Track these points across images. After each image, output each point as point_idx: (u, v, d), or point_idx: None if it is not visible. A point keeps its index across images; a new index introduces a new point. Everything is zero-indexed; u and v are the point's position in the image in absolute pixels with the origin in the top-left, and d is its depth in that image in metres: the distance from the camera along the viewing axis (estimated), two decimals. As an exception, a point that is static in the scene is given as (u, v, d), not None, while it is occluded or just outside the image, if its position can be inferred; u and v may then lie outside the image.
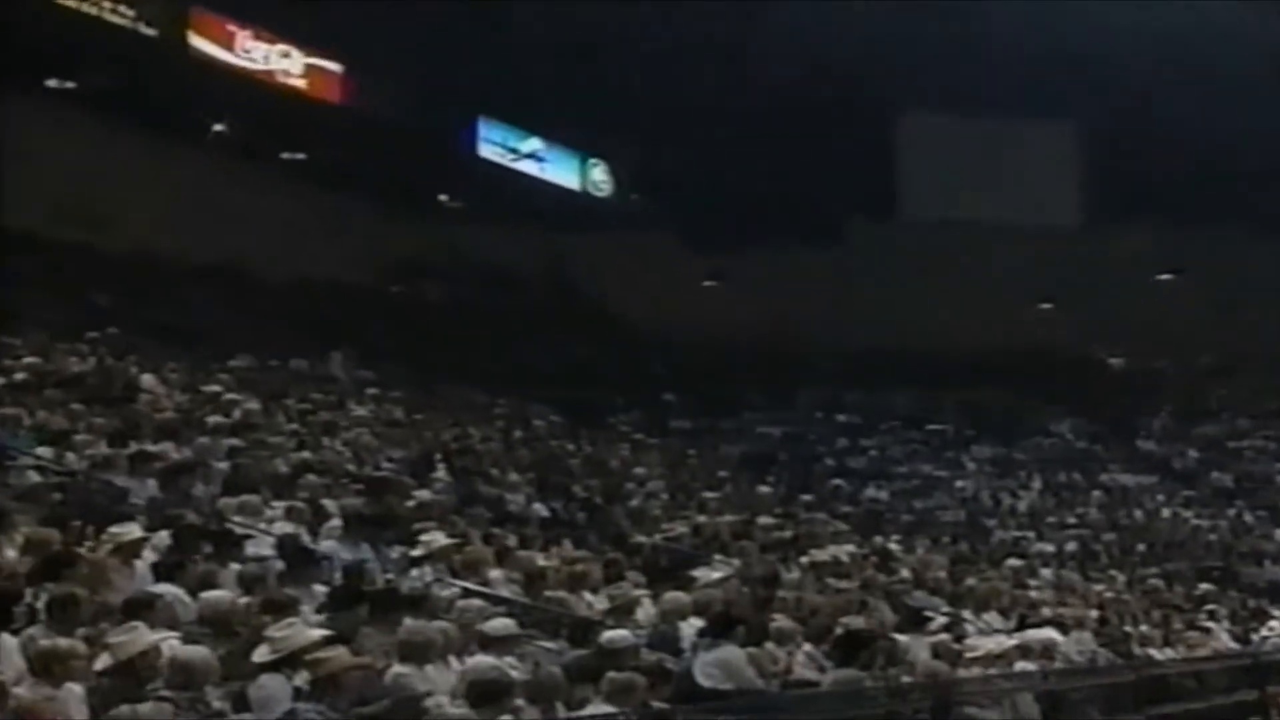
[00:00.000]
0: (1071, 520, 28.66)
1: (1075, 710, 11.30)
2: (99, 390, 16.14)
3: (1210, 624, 18.11)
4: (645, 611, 11.33)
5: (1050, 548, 25.81)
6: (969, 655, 11.41)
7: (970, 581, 16.99)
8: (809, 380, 36.43)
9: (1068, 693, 11.52)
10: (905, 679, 10.21)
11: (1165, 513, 29.61)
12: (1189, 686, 13.40)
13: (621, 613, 11.01)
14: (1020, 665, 11.54)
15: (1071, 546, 26.32)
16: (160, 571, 9.14)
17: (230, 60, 29.24)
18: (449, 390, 27.59)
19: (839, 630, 10.85)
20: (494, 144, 34.96)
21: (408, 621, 8.68)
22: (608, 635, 9.43)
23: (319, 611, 9.00)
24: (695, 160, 34.89)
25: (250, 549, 10.41)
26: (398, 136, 31.74)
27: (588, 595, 11.70)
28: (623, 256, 36.96)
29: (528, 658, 9.13)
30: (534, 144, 35.60)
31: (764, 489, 25.58)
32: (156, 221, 29.28)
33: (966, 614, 14.66)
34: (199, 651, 7.19)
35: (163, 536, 9.86)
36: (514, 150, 35.24)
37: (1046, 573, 21.51)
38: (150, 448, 13.20)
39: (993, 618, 14.97)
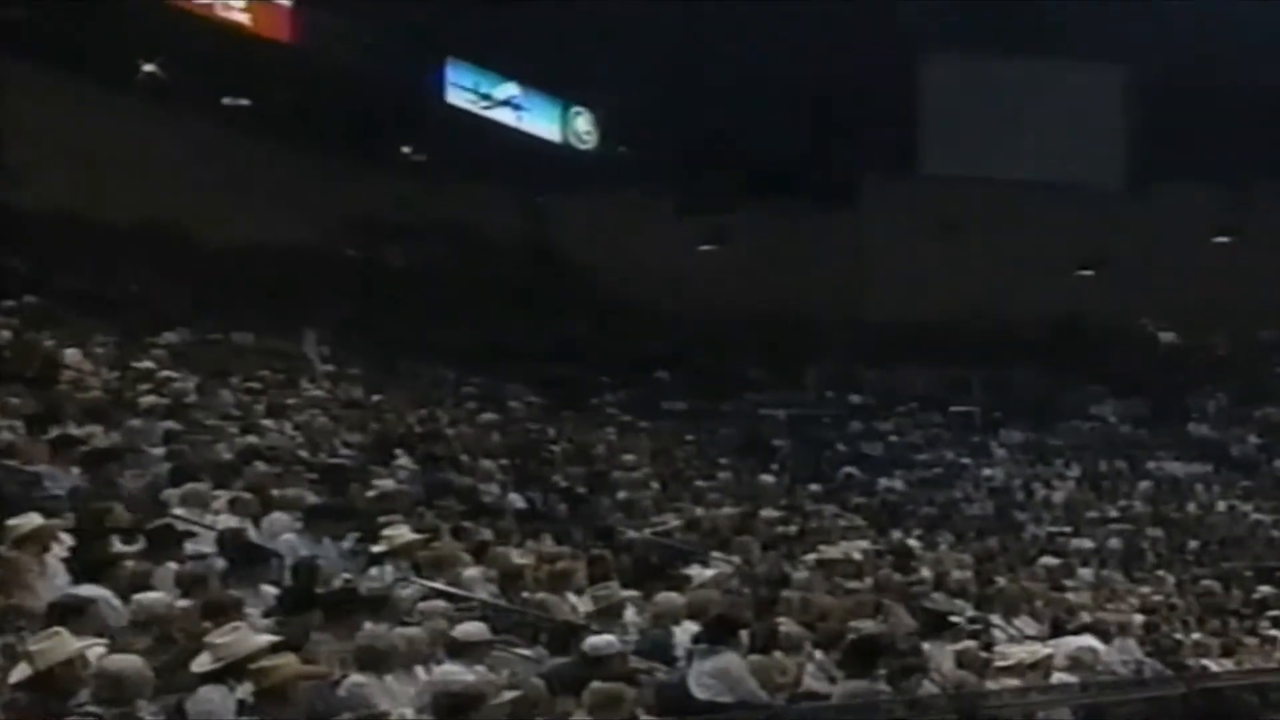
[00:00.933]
0: (1114, 514, 28.81)
1: (1118, 727, 11.39)
2: (14, 367, 16.10)
3: (1272, 631, 18.21)
4: (634, 614, 11.37)
5: (1090, 545, 25.93)
6: (998, 665, 11.49)
7: (999, 582, 17.14)
8: (818, 356, 36.49)
9: (1109, 708, 11.59)
10: (926, 691, 10.25)
11: (1220, 505, 29.73)
12: (1248, 702, 13.45)
13: (607, 616, 11.08)
14: (1056, 677, 11.60)
15: (1114, 543, 26.46)
16: (78, 569, 9.14)
17: (163, -10, 29.09)
18: (414, 367, 27.62)
19: (851, 636, 10.88)
20: (464, 89, 34.81)
21: (367, 626, 8.72)
22: (592, 641, 9.51)
23: (266, 615, 9.06)
24: (691, 109, 34.83)
25: (189, 546, 10.42)
26: (355, 80, 31.68)
27: (570, 596, 11.77)
28: (609, 217, 36.95)
29: (502, 666, 9.16)
30: (509, 90, 35.47)
31: (767, 478, 25.69)
32: (79, 176, 29.18)
33: (995, 619, 14.76)
34: (131, 661, 7.19)
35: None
36: (486, 97, 35.10)
37: (1085, 573, 21.70)
38: (74, 431, 13.20)
39: (1025, 623, 15.12)
